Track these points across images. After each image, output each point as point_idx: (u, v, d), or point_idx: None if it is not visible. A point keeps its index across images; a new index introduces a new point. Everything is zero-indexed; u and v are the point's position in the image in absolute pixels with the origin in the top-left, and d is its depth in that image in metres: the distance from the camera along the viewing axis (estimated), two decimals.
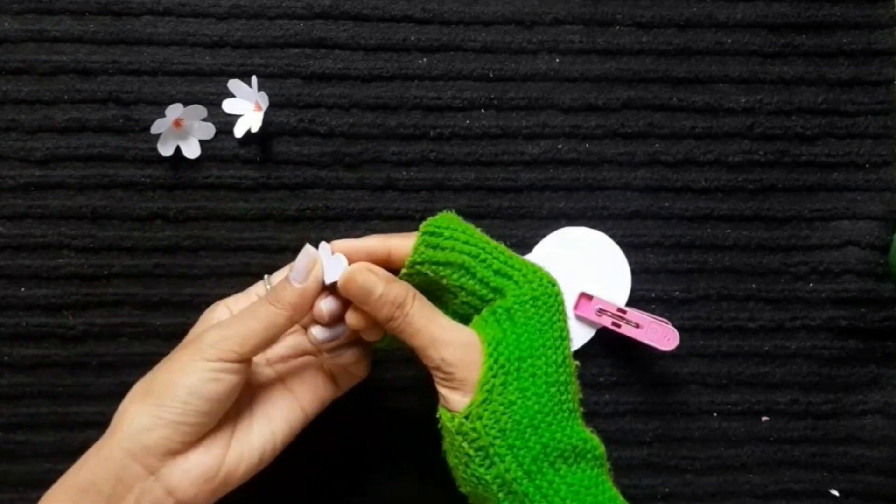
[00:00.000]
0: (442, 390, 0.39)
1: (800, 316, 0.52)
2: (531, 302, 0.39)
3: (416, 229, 0.51)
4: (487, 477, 0.37)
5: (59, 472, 0.49)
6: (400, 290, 0.39)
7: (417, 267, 0.40)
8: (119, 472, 0.37)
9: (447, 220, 0.41)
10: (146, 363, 0.49)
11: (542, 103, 0.52)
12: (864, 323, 0.52)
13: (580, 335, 0.51)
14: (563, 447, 0.37)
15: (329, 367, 0.43)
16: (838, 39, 0.53)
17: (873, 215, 0.52)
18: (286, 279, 0.40)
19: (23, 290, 0.50)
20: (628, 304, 0.51)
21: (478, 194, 0.52)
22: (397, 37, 0.52)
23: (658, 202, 0.52)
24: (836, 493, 0.51)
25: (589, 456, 0.38)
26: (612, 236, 0.52)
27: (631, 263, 0.52)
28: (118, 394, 0.47)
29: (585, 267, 0.51)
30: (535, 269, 0.40)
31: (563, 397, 0.38)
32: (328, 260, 0.40)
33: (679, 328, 0.49)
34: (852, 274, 0.52)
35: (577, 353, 0.51)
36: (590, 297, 0.50)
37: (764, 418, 0.52)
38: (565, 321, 0.40)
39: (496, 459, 0.37)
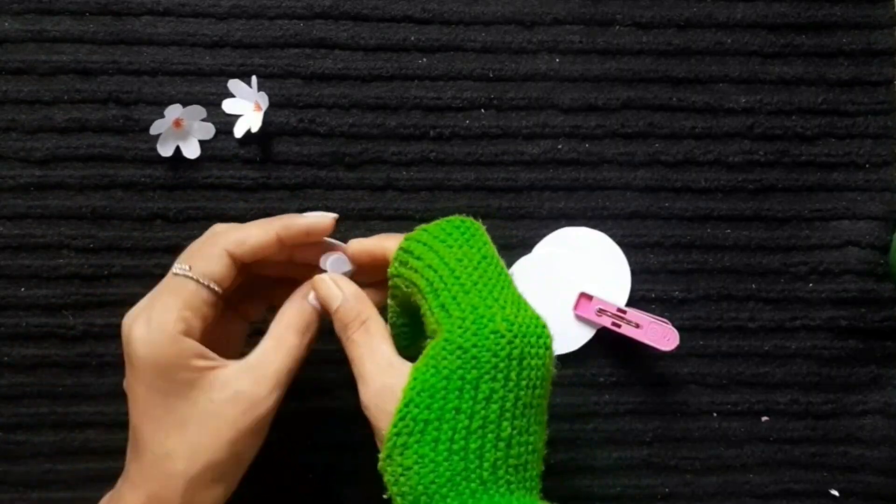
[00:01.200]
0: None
1: (800, 316, 0.52)
2: (458, 352, 0.34)
3: (416, 230, 0.51)
4: None
5: (59, 472, 0.50)
6: (351, 310, 0.38)
7: (394, 279, 0.39)
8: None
9: (440, 230, 0.39)
10: None
11: (542, 103, 0.52)
12: (864, 323, 0.52)
13: (580, 335, 0.51)
14: None
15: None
16: (838, 39, 0.53)
17: (873, 215, 0.52)
18: (307, 304, 0.40)
19: (23, 290, 0.50)
20: (628, 304, 0.51)
21: (478, 194, 0.52)
22: (397, 37, 0.52)
23: (658, 202, 0.52)
24: (836, 493, 0.51)
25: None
26: (612, 236, 0.52)
27: (631, 263, 0.52)
28: (118, 394, 0.47)
29: (585, 267, 0.51)
30: (485, 315, 0.35)
31: (471, 466, 0.33)
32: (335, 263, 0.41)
33: (679, 328, 0.49)
34: (852, 274, 0.52)
35: (578, 353, 0.51)
36: (590, 297, 0.50)
37: (764, 418, 0.52)
38: (509, 379, 0.34)
39: None
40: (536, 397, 0.35)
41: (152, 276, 0.50)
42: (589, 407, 0.51)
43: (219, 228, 0.41)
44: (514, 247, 0.52)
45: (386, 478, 0.35)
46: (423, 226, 0.40)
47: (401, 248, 0.39)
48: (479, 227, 0.39)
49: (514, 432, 0.34)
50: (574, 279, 0.51)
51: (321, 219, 0.41)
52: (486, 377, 0.34)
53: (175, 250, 0.50)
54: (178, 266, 0.39)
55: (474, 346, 0.34)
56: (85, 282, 0.50)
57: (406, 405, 0.34)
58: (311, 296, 0.40)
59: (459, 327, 0.34)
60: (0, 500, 0.49)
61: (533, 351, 0.35)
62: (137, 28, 0.51)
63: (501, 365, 0.34)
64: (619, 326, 0.49)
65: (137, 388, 0.37)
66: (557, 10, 0.53)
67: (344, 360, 0.51)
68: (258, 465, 0.49)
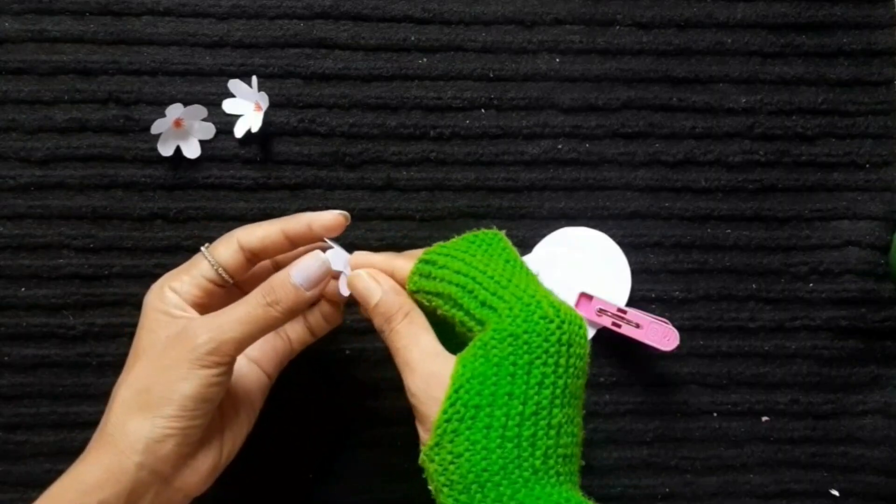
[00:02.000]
0: (417, 417, 0.36)
1: (800, 316, 0.52)
2: (509, 339, 0.34)
3: (415, 229, 0.51)
4: None
5: (59, 473, 0.49)
6: (393, 303, 0.38)
7: (415, 296, 0.39)
8: (131, 487, 0.37)
9: (460, 245, 0.39)
10: None
11: (542, 103, 0.52)
12: (864, 323, 0.52)
13: None
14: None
15: (313, 323, 0.44)
16: (838, 39, 0.53)
17: (873, 215, 0.52)
18: (286, 278, 0.39)
19: (23, 290, 0.50)
20: (628, 304, 0.51)
21: (478, 194, 0.52)
22: (397, 37, 0.52)
23: (658, 202, 0.52)
24: (836, 493, 0.51)
25: None
26: (612, 236, 0.52)
27: (631, 263, 0.52)
28: None
29: (585, 267, 0.51)
30: (531, 303, 0.35)
31: (524, 454, 0.33)
32: (337, 258, 0.41)
33: (679, 328, 0.49)
34: (852, 274, 0.52)
35: None
36: (590, 297, 0.50)
37: (764, 418, 0.52)
38: (559, 364, 0.34)
39: (463, 497, 0.33)
40: (580, 387, 0.35)
41: (152, 276, 0.50)
42: (589, 407, 0.51)
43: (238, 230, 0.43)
44: (514, 247, 0.51)
45: (433, 468, 0.34)
46: (440, 243, 0.40)
47: (421, 261, 0.39)
48: (500, 236, 0.40)
49: (564, 420, 0.34)
50: (574, 279, 0.51)
51: (324, 214, 0.42)
52: (538, 361, 0.34)
53: (175, 250, 0.50)
54: (203, 246, 0.42)
55: (525, 332, 0.34)
56: (85, 282, 0.50)
57: (456, 391, 0.34)
58: (295, 273, 0.40)
59: (508, 316, 0.35)
60: (0, 500, 0.49)
61: (577, 339, 0.35)
62: (137, 28, 0.51)
63: (552, 350, 0.34)
64: (619, 326, 0.49)
65: (134, 341, 0.41)
66: (557, 10, 0.53)
67: (344, 360, 0.51)
68: (258, 464, 0.49)
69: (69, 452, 0.49)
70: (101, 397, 0.49)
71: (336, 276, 0.42)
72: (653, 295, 0.52)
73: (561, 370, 0.34)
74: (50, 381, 0.50)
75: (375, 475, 0.50)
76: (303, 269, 0.39)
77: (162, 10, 0.51)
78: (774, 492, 0.51)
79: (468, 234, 0.40)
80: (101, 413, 0.49)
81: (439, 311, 0.38)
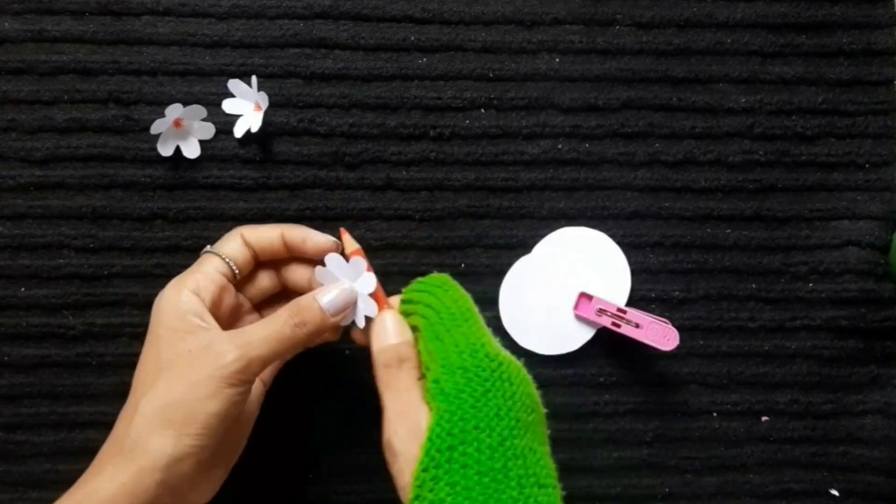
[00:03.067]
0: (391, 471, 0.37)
1: (800, 316, 0.52)
2: (460, 372, 0.37)
3: (415, 229, 0.51)
4: None
5: (59, 472, 0.49)
6: (393, 354, 0.39)
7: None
8: (150, 502, 0.37)
9: (427, 282, 0.42)
10: None
11: (542, 103, 0.52)
12: (864, 323, 0.52)
13: (580, 335, 0.51)
14: None
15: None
16: (838, 39, 0.53)
17: (873, 215, 0.52)
18: (313, 301, 0.40)
19: (23, 290, 0.50)
20: (628, 304, 0.51)
21: (478, 194, 0.52)
22: (397, 37, 0.52)
23: (658, 202, 0.52)
24: (836, 493, 0.51)
25: None
26: (612, 236, 0.52)
27: (631, 263, 0.52)
28: (118, 394, 0.47)
29: (585, 267, 0.51)
30: (475, 342, 0.38)
31: (500, 486, 0.34)
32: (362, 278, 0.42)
33: (679, 328, 0.49)
34: (852, 274, 0.52)
35: (577, 353, 0.51)
36: (590, 297, 0.50)
37: (764, 418, 0.52)
38: (506, 397, 0.36)
39: None
40: (533, 422, 0.37)
41: (152, 276, 0.50)
42: (589, 407, 0.51)
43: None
44: (514, 247, 0.52)
45: None
46: (419, 279, 0.43)
47: (402, 301, 0.42)
48: (448, 279, 0.43)
49: (526, 450, 0.36)
50: (574, 279, 0.51)
51: (319, 235, 0.44)
52: (489, 393, 0.36)
53: (175, 250, 0.50)
54: (205, 248, 0.44)
55: (473, 365, 0.37)
56: (85, 282, 0.50)
57: (430, 439, 0.35)
58: (323, 297, 0.41)
59: (455, 351, 0.37)
60: (0, 500, 0.49)
61: (518, 377, 0.37)
62: (137, 28, 0.51)
63: (498, 384, 0.36)
64: (619, 326, 0.49)
65: (145, 353, 0.40)
66: (557, 10, 0.53)
67: (344, 360, 0.51)
68: (258, 464, 0.49)
69: (69, 452, 0.49)
70: (101, 397, 0.50)
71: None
72: (653, 295, 0.52)
73: (510, 402, 0.36)
74: (50, 381, 0.50)
75: (375, 475, 0.50)
76: (332, 296, 0.41)
77: (162, 10, 0.51)
78: (774, 492, 0.51)
79: (434, 276, 0.43)
80: (101, 413, 0.50)
81: (418, 346, 0.40)
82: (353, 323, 0.42)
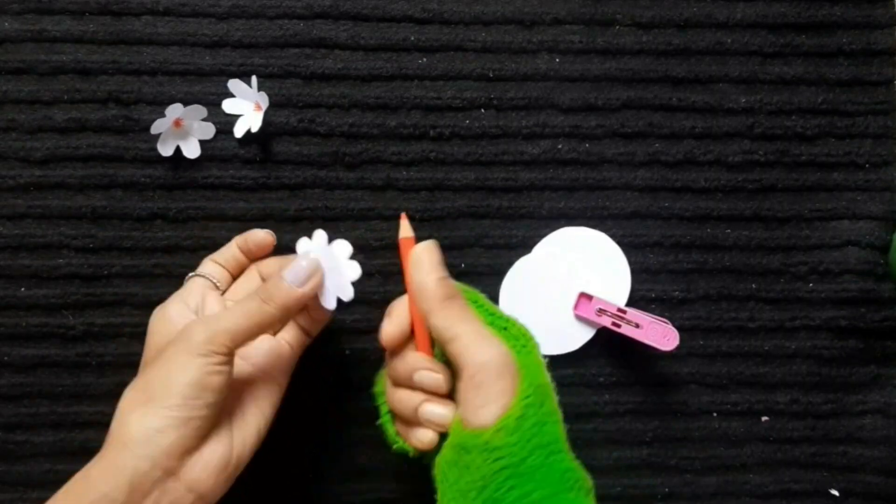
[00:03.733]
0: (475, 399, 0.37)
1: (800, 316, 0.52)
2: (539, 348, 0.41)
3: (415, 229, 0.51)
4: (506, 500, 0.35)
5: (58, 472, 0.49)
6: (450, 286, 0.41)
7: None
8: (133, 479, 0.37)
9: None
10: None
11: (542, 103, 0.52)
12: (864, 323, 0.52)
13: (580, 335, 0.51)
14: (575, 476, 0.37)
15: (304, 324, 0.46)
16: (838, 39, 0.53)
17: (873, 215, 0.52)
18: (279, 277, 0.41)
19: (23, 290, 0.50)
20: (628, 304, 0.51)
21: (478, 194, 0.52)
22: (397, 37, 0.52)
23: (658, 202, 0.52)
24: (836, 493, 0.51)
25: (584, 488, 0.38)
26: (612, 236, 0.52)
27: (631, 263, 0.52)
28: (118, 394, 0.47)
29: (585, 267, 0.51)
30: (522, 328, 0.42)
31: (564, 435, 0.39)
32: (343, 263, 0.43)
33: (679, 328, 0.49)
34: (852, 274, 0.52)
35: (578, 353, 0.51)
36: (590, 297, 0.50)
37: (764, 418, 0.52)
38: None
39: (524, 478, 0.35)
40: None
41: (152, 276, 0.50)
42: (589, 407, 0.51)
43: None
44: (514, 247, 0.52)
45: (509, 439, 0.36)
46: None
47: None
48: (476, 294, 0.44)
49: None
50: (574, 279, 0.51)
51: (255, 233, 0.48)
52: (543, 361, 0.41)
53: (175, 250, 0.50)
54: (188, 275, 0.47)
55: (536, 344, 0.42)
56: (85, 282, 0.50)
57: (528, 370, 0.38)
58: (287, 272, 0.42)
59: (524, 335, 0.42)
60: (0, 500, 0.49)
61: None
62: (137, 28, 0.51)
63: (553, 406, 0.40)
64: (619, 326, 0.49)
65: (140, 366, 0.44)
66: (557, 10, 0.53)
67: (344, 360, 0.51)
68: (258, 464, 0.49)
69: (69, 452, 0.49)
70: (101, 397, 0.50)
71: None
72: (653, 295, 0.52)
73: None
74: (50, 381, 0.50)
75: (375, 475, 0.50)
76: (292, 268, 0.42)
77: (162, 10, 0.51)
78: (774, 492, 0.51)
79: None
80: (100, 413, 0.50)
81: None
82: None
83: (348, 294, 0.43)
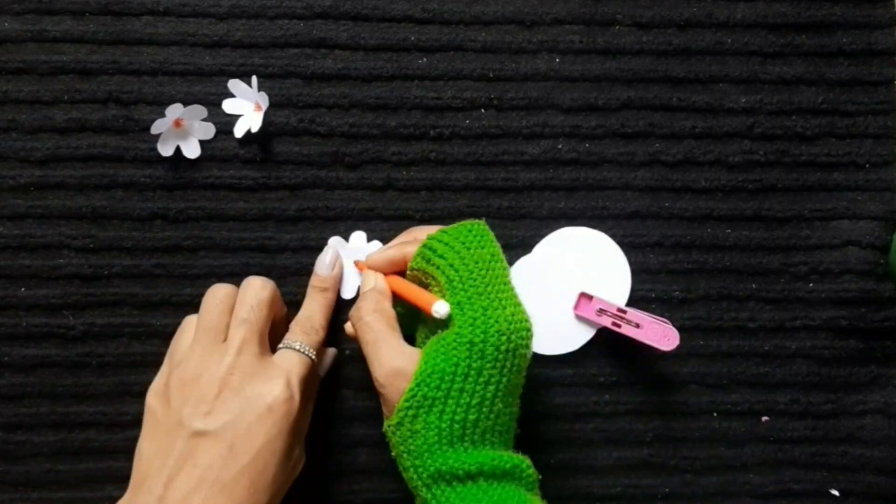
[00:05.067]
0: (380, 399, 0.43)
1: (800, 316, 0.52)
2: (467, 346, 0.40)
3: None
4: (404, 475, 0.42)
5: (59, 472, 0.49)
6: (372, 303, 0.44)
7: (414, 271, 0.45)
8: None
9: (458, 232, 0.44)
10: (146, 363, 0.50)
11: (542, 103, 0.52)
12: (864, 323, 0.52)
13: (580, 335, 0.51)
14: (455, 470, 0.40)
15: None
16: (838, 39, 0.53)
17: (873, 215, 0.52)
18: (315, 275, 0.49)
19: (23, 290, 0.50)
20: (628, 304, 0.51)
21: (478, 194, 0.52)
22: (397, 37, 0.52)
23: (658, 202, 0.52)
24: (836, 492, 0.51)
25: (511, 474, 0.41)
26: (612, 236, 0.52)
27: (631, 263, 0.52)
28: (118, 394, 0.47)
29: (585, 267, 0.51)
30: (492, 316, 0.41)
31: (467, 433, 0.40)
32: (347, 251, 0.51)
33: (679, 328, 0.49)
34: (852, 274, 0.52)
35: (578, 353, 0.51)
36: (590, 297, 0.50)
37: (764, 418, 0.52)
38: (504, 368, 0.41)
39: (404, 469, 0.42)
40: (521, 378, 0.43)
41: (152, 276, 0.50)
42: (589, 407, 0.51)
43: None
44: (514, 247, 0.52)
45: (395, 439, 0.42)
46: (443, 228, 0.44)
47: (424, 246, 0.44)
48: (486, 228, 0.45)
49: (503, 406, 0.41)
50: (574, 279, 0.51)
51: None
52: (488, 366, 0.40)
53: (175, 250, 0.50)
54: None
55: (482, 342, 0.40)
56: (85, 282, 0.50)
57: (418, 384, 0.40)
58: (316, 263, 0.50)
59: (471, 325, 0.40)
60: (0, 500, 0.49)
61: (523, 343, 0.41)
62: (137, 28, 0.51)
63: (501, 357, 0.40)
64: (619, 326, 0.49)
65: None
66: (557, 10, 0.53)
67: (344, 360, 0.51)
68: None
69: (69, 452, 0.49)
70: (101, 397, 0.50)
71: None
72: (653, 295, 0.52)
73: (506, 370, 0.41)
74: (50, 381, 0.50)
75: (375, 475, 0.50)
76: (319, 259, 0.50)
77: (162, 10, 0.51)
78: (774, 492, 0.51)
79: (467, 223, 0.44)
80: (100, 413, 0.50)
81: (431, 289, 0.44)
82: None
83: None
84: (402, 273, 0.46)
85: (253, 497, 0.39)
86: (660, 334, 0.48)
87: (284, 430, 0.41)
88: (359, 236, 0.51)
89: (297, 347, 0.45)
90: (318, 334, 0.47)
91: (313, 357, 0.45)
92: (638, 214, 0.52)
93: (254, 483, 0.39)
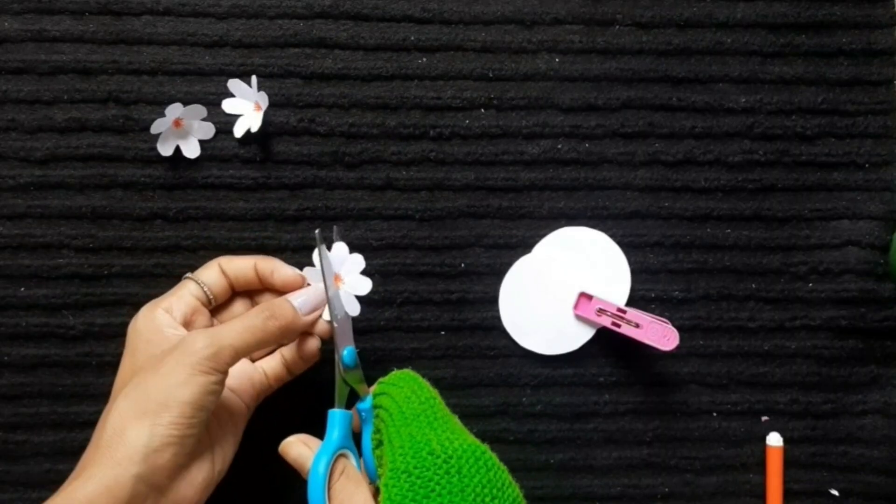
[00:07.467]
0: None
1: (800, 316, 0.52)
2: (403, 476, 0.38)
3: (415, 229, 0.52)
4: None
5: (58, 472, 0.49)
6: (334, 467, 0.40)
7: (374, 419, 0.44)
8: (129, 500, 0.37)
9: (385, 385, 0.43)
10: None
11: (542, 103, 0.52)
12: (864, 323, 0.52)
13: (580, 335, 0.51)
14: None
15: (289, 359, 0.46)
16: (838, 39, 0.53)
17: (873, 215, 0.52)
18: (285, 301, 0.43)
19: (23, 290, 0.50)
20: (628, 304, 0.51)
21: (478, 194, 0.52)
22: (397, 37, 0.52)
23: (658, 202, 0.52)
24: (836, 493, 0.51)
25: None
26: (612, 236, 0.52)
27: (631, 263, 0.52)
28: None
29: (585, 267, 0.51)
30: (421, 440, 0.39)
31: None
32: (354, 278, 0.46)
33: (679, 328, 0.49)
34: (852, 274, 0.52)
35: (578, 353, 0.51)
36: (590, 297, 0.50)
37: (764, 418, 0.52)
38: (455, 492, 0.37)
39: None
40: (508, 497, 0.39)
41: (152, 276, 0.50)
42: (589, 407, 0.51)
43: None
44: (514, 247, 0.52)
45: None
46: (383, 378, 0.45)
47: (373, 394, 0.44)
48: (419, 377, 0.44)
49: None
50: (574, 279, 0.51)
51: (287, 269, 0.45)
52: (434, 494, 0.37)
53: (175, 250, 0.50)
54: (186, 275, 0.45)
55: (415, 467, 0.38)
56: (85, 282, 0.50)
57: None
58: (295, 298, 0.44)
59: (400, 454, 0.39)
60: (0, 500, 0.49)
61: (470, 469, 0.38)
62: (137, 28, 0.51)
63: (444, 480, 0.37)
64: (619, 326, 0.49)
65: (122, 365, 0.42)
66: (557, 10, 0.53)
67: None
68: (257, 465, 0.49)
69: (69, 452, 0.49)
70: (101, 397, 0.50)
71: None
72: (653, 295, 0.52)
73: (460, 497, 0.37)
74: (50, 380, 0.50)
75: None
76: (302, 294, 0.44)
77: (162, 10, 0.51)
78: None
79: (401, 371, 0.45)
80: (100, 413, 0.49)
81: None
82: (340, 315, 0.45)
83: (355, 309, 0.45)
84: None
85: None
86: (659, 334, 0.48)
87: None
88: (341, 247, 0.46)
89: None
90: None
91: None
92: (638, 214, 0.52)
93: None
